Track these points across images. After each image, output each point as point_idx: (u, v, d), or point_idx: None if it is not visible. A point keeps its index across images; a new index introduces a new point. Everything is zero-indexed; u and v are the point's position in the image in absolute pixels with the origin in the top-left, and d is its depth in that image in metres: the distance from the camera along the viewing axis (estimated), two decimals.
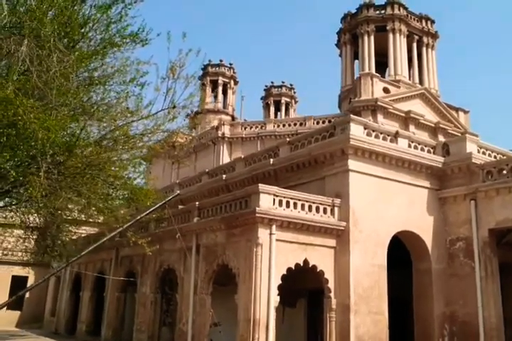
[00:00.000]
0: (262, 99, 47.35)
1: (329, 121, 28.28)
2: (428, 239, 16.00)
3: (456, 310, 15.41)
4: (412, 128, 27.18)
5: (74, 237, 19.35)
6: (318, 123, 28.88)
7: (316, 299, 15.36)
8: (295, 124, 30.10)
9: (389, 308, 14.58)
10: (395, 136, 16.35)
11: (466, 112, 30.86)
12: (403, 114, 27.28)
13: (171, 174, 32.84)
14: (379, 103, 26.41)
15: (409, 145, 16.57)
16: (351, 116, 16.16)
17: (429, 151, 17.08)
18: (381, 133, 16.11)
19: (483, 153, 17.00)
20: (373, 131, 15.90)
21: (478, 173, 15.90)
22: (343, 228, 14.48)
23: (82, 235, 23.26)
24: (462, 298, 15.31)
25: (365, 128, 15.66)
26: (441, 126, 28.31)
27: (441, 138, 27.23)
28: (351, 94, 29.38)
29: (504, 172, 15.53)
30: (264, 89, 47.49)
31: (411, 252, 16.36)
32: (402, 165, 15.97)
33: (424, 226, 16.07)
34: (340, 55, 33.21)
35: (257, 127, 31.40)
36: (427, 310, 15.57)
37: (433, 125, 28.26)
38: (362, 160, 15.23)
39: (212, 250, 15.26)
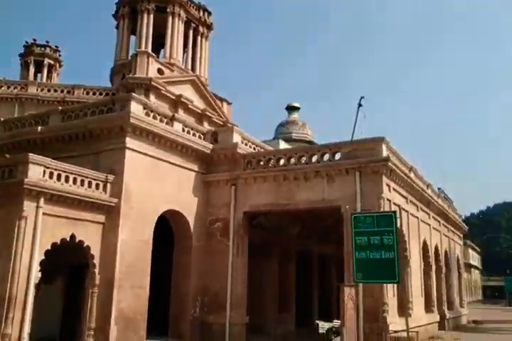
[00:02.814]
0: (20, 55, 42.73)
1: (100, 94, 27.49)
2: (191, 218, 17.19)
3: (211, 284, 17.01)
4: (180, 111, 28.12)
5: None
6: (88, 93, 27.67)
7: (78, 275, 15.07)
8: (62, 91, 28.17)
9: (152, 282, 15.26)
10: (171, 119, 16.99)
11: (229, 104, 33.28)
12: (174, 97, 28.02)
13: None
14: (153, 83, 26.62)
15: (183, 130, 17.42)
16: (133, 94, 16.22)
17: (200, 137, 18.22)
18: (159, 115, 16.55)
19: (246, 144, 18.93)
20: (151, 111, 16.23)
21: (240, 162, 17.73)
22: (113, 204, 14.51)
23: None
24: (216, 273, 16.97)
25: (144, 108, 15.89)
26: (207, 113, 30.01)
27: (206, 125, 28.96)
28: (125, 69, 28.87)
29: (261, 163, 17.64)
30: (24, 46, 42.84)
31: (174, 230, 17.33)
32: (175, 147, 16.74)
33: (189, 207, 17.19)
34: (117, 28, 32.20)
35: (16, 88, 28.41)
36: (184, 284, 16.79)
37: (200, 111, 29.77)
38: (139, 139, 15.47)
39: None
